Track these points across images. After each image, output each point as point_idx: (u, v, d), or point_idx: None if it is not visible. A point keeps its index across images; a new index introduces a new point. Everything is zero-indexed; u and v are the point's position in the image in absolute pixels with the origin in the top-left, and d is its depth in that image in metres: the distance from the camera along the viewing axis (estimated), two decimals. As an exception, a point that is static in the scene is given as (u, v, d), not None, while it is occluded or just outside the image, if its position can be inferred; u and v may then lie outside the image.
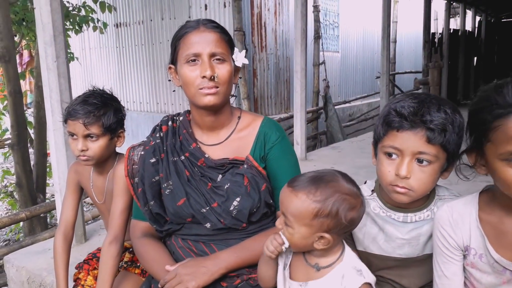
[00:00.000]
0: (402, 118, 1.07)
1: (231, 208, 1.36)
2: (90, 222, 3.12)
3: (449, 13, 9.80)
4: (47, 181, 4.64)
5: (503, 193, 1.00)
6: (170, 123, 1.53)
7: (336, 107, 7.38)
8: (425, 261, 1.23)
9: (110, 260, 1.53)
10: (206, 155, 1.43)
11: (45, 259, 2.19)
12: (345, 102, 8.76)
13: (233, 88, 1.47)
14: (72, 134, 1.59)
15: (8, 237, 5.22)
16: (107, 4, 5.63)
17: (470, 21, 12.97)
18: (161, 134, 1.50)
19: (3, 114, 4.60)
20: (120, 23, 8.21)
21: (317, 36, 6.90)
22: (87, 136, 1.58)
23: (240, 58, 1.42)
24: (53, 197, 6.23)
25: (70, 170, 1.80)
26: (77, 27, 5.03)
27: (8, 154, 4.52)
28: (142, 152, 1.50)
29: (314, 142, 7.22)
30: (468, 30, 12.33)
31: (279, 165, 1.41)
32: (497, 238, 1.03)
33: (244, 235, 1.41)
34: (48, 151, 4.44)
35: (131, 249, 1.79)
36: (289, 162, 1.43)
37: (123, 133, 1.70)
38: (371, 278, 1.07)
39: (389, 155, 1.11)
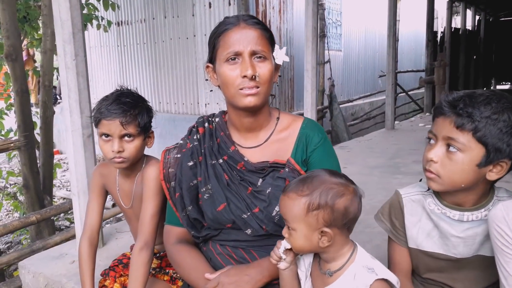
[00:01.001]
0: (443, 106, 1.12)
1: (274, 214, 1.30)
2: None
3: (451, 12, 9.79)
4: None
5: None
6: (206, 124, 1.46)
7: (340, 106, 7.34)
8: (480, 265, 1.20)
9: (142, 267, 1.47)
10: (246, 158, 1.37)
11: (63, 265, 2.12)
12: (349, 101, 8.72)
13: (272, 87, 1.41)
14: (106, 135, 1.52)
15: (11, 240, 5.12)
16: (110, 2, 5.55)
17: (470, 20, 12.99)
18: (198, 136, 1.44)
19: (6, 114, 4.50)
20: (121, 21, 8.12)
21: (322, 35, 6.85)
22: (122, 137, 1.51)
23: (280, 55, 1.36)
24: (60, 200, 6.13)
25: (94, 173, 1.73)
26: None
27: (12, 155, 4.42)
28: (179, 155, 1.43)
29: (319, 141, 7.16)
30: (468, 29, 12.35)
31: (323, 168, 1.36)
32: None
33: None
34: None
35: (158, 255, 1.73)
36: (332, 165, 1.37)
37: (153, 134, 1.64)
38: (388, 276, 1.06)
39: (430, 140, 1.16)
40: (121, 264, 1.72)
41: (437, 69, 6.72)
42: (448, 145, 1.10)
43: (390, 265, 1.35)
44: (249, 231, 1.32)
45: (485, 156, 1.08)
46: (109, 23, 5.47)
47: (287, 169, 1.33)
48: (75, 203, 2.18)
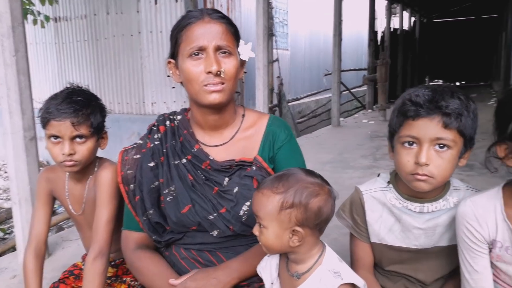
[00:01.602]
0: (418, 107, 1.10)
1: (241, 214, 1.26)
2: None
3: (390, 13, 10.28)
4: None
5: None
6: (167, 122, 1.39)
7: (288, 104, 7.45)
8: (440, 254, 1.24)
9: (97, 277, 1.38)
10: (211, 157, 1.32)
11: (3, 281, 1.93)
12: (296, 99, 8.87)
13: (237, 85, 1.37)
14: (55, 137, 1.40)
15: None
16: (47, -4, 5.22)
17: (406, 21, 13.72)
18: (159, 135, 1.36)
19: None
20: (59, 17, 7.65)
21: (271, 34, 6.89)
22: (73, 138, 1.40)
23: (246, 51, 1.32)
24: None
25: (40, 179, 1.59)
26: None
27: None
28: (138, 156, 1.35)
29: (269, 139, 7.23)
30: (405, 30, 13.04)
31: (289, 165, 1.33)
32: None
33: (252, 241, 1.32)
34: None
35: (113, 263, 1.63)
36: (298, 162, 1.36)
37: (106, 135, 1.54)
38: (355, 280, 1.06)
39: (409, 144, 1.12)
40: (72, 276, 1.59)
41: (380, 67, 7.03)
42: (436, 145, 1.10)
43: (352, 261, 1.36)
44: (215, 233, 1.28)
45: (463, 146, 1.12)
46: (47, 18, 5.14)
47: (254, 167, 1.30)
48: (16, 212, 2.00)
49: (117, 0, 6.94)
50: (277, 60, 7.06)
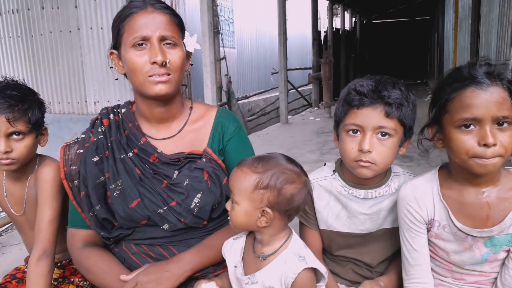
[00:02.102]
0: (362, 96, 1.15)
1: (192, 206, 1.25)
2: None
3: (332, 13, 10.63)
4: None
5: (457, 168, 1.11)
6: (111, 116, 1.35)
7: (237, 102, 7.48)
8: (384, 237, 1.31)
9: (41, 278, 1.32)
10: (159, 150, 1.30)
11: None
12: (245, 98, 8.92)
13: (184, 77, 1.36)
14: None
15: None
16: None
17: (348, 21, 14.26)
18: (103, 128, 1.32)
19: None
20: (-12, 11, 7.14)
21: (217, 31, 6.87)
22: (10, 135, 1.32)
23: (192, 42, 1.32)
24: None
25: None
26: None
27: None
28: (81, 150, 1.30)
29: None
30: (347, 30, 13.54)
31: (239, 157, 1.35)
32: (459, 209, 1.13)
33: (204, 233, 1.32)
34: None
35: (59, 264, 1.56)
36: (248, 153, 1.37)
37: (46, 131, 1.46)
38: (318, 266, 1.10)
39: (353, 132, 1.17)
40: (15, 280, 1.50)
41: (323, 66, 7.25)
42: (379, 133, 1.15)
43: None
44: (166, 226, 1.26)
45: (403, 135, 1.19)
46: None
47: (204, 159, 1.30)
48: None
49: (53, -6, 6.60)
50: (224, 58, 7.06)
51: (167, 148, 1.32)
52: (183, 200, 1.25)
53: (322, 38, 10.83)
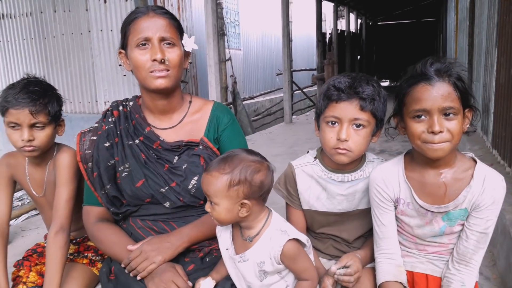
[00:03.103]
0: (340, 91, 1.30)
1: (190, 187, 1.44)
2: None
3: (337, 15, 10.77)
4: None
5: (418, 153, 1.28)
6: (120, 108, 1.54)
7: (243, 102, 7.66)
8: (360, 216, 1.47)
9: (58, 250, 1.49)
10: (161, 138, 1.49)
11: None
12: (251, 98, 9.10)
13: (183, 74, 1.54)
14: (14, 125, 1.51)
15: None
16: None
17: (353, 23, 14.38)
18: (113, 118, 1.52)
19: None
20: (3, 15, 7.40)
21: (222, 33, 7.07)
22: (32, 126, 1.51)
23: (189, 43, 1.50)
24: None
25: (1, 165, 1.68)
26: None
27: None
28: (95, 137, 1.49)
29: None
30: (352, 31, 13.67)
31: (232, 146, 1.53)
32: (420, 189, 1.30)
33: (200, 212, 1.50)
34: None
35: (74, 241, 1.75)
36: (240, 143, 1.55)
37: (63, 122, 1.66)
38: (299, 236, 1.23)
39: (332, 123, 1.33)
40: (36, 253, 1.70)
41: (327, 66, 7.40)
42: (354, 124, 1.30)
43: None
44: (167, 204, 1.45)
45: (375, 126, 1.35)
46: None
47: (201, 147, 1.49)
48: (-27, 201, 2.05)
49: (65, -3, 6.85)
50: (229, 59, 7.25)
51: (169, 136, 1.50)
52: (182, 182, 1.44)
53: (327, 39, 10.96)
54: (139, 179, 1.43)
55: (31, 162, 1.66)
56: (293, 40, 11.76)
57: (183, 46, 1.48)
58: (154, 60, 1.37)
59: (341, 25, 14.95)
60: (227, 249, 1.32)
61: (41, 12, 7.16)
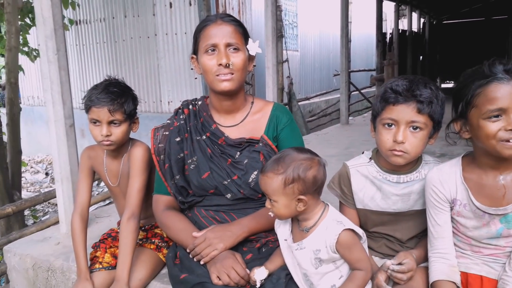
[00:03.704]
0: (397, 94, 1.33)
1: (250, 180, 1.55)
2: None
3: (398, 14, 10.47)
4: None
5: (482, 154, 1.28)
6: (190, 106, 1.69)
7: (298, 103, 7.72)
8: (414, 216, 1.49)
9: (130, 234, 1.66)
10: (226, 135, 1.61)
11: (49, 246, 2.24)
12: (307, 99, 9.13)
13: (247, 76, 1.66)
14: (95, 121, 1.70)
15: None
16: (70, 1, 5.56)
17: (416, 22, 13.86)
18: (184, 116, 1.67)
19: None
20: (80, 20, 8.05)
21: (280, 35, 7.17)
22: (110, 123, 1.69)
23: (254, 47, 1.60)
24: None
25: (83, 156, 1.90)
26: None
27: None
28: (167, 132, 1.65)
29: (279, 136, 7.49)
30: (414, 31, 13.18)
31: (289, 144, 1.62)
32: (477, 190, 1.30)
33: (258, 205, 1.60)
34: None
35: (143, 228, 1.92)
36: (297, 141, 1.64)
37: (138, 120, 1.83)
38: (354, 227, 1.29)
39: (388, 125, 1.36)
40: (110, 237, 1.90)
41: (387, 67, 7.24)
42: (411, 127, 1.32)
43: None
44: (229, 196, 1.57)
45: (432, 129, 1.37)
46: (71, 21, 5.49)
47: (261, 144, 1.59)
48: (59, 189, 2.32)
49: (134, 3, 7.29)
50: (286, 60, 7.33)
51: (232, 133, 1.63)
52: (243, 175, 1.55)
53: (387, 39, 10.68)
54: (205, 171, 1.57)
55: (108, 155, 1.85)
56: (352, 41, 11.58)
57: (248, 51, 1.59)
58: (220, 64, 1.49)
59: (403, 24, 14.46)
60: (285, 239, 1.39)
61: (113, 18, 7.68)
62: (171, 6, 6.92)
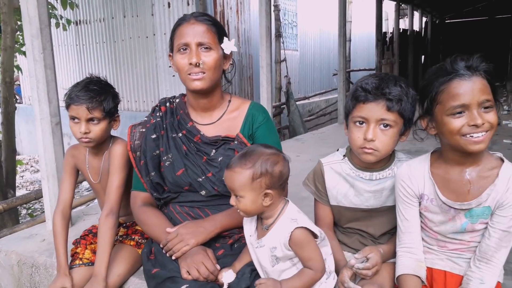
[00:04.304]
0: (367, 92, 1.34)
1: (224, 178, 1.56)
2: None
3: (399, 14, 10.44)
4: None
5: (448, 150, 1.29)
6: (168, 104, 1.71)
7: (296, 103, 7.72)
8: (386, 212, 1.50)
9: (108, 231, 1.68)
10: (202, 133, 1.63)
11: (34, 243, 2.28)
12: (305, 98, 9.13)
13: (229, 74, 1.68)
14: (74, 118, 1.72)
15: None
16: (68, 1, 5.61)
17: (417, 22, 13.81)
18: (161, 113, 1.69)
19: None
20: (80, 21, 8.10)
21: (278, 35, 7.18)
22: (89, 120, 1.72)
23: (229, 46, 1.60)
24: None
25: (66, 155, 1.92)
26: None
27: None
28: (143, 129, 1.68)
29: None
30: (416, 30, 13.14)
31: (265, 142, 1.62)
32: (444, 185, 1.31)
33: None
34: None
35: (124, 224, 1.95)
36: (273, 140, 1.65)
37: (118, 117, 1.85)
38: (309, 225, 1.30)
39: (359, 123, 1.37)
40: (91, 234, 1.92)
41: (384, 66, 7.24)
42: (381, 124, 1.33)
43: (316, 221, 1.61)
44: (203, 192, 1.58)
45: (403, 126, 1.38)
46: (69, 21, 5.54)
47: (236, 142, 1.61)
48: (45, 186, 2.35)
49: (133, 4, 7.32)
50: (284, 60, 7.34)
51: (209, 131, 1.64)
52: (217, 172, 1.57)
53: (388, 39, 10.65)
54: (180, 168, 1.58)
55: (90, 152, 1.88)
56: (353, 40, 11.56)
57: (223, 49, 1.60)
58: (191, 63, 1.51)
59: (405, 24, 14.41)
60: (250, 235, 1.41)
61: (113, 18, 7.72)
62: (169, 6, 6.94)
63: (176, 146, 1.62)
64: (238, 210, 1.33)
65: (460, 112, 1.20)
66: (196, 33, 1.52)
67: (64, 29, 5.56)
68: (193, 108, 1.68)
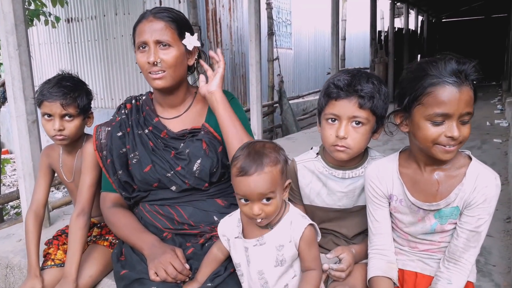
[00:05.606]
0: (339, 89, 1.30)
1: (194, 169, 1.52)
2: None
3: (394, 12, 10.42)
4: None
5: (417, 150, 1.25)
6: (133, 101, 1.68)
7: (290, 101, 7.69)
8: (359, 213, 1.47)
9: (79, 231, 1.64)
10: (168, 128, 1.60)
11: (10, 243, 2.25)
12: (299, 97, 9.10)
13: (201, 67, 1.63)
14: (48, 115, 1.69)
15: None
16: (58, -2, 5.55)
17: (413, 20, 13.79)
18: (126, 111, 1.66)
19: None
20: (71, 18, 8.05)
21: (271, 33, 7.15)
22: (63, 117, 1.68)
23: (190, 42, 1.54)
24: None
25: (42, 155, 1.89)
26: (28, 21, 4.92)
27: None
28: (109, 128, 1.64)
29: (270, 134, 7.49)
30: (412, 29, 13.12)
31: None
32: (413, 186, 1.28)
33: (206, 196, 1.57)
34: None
35: (98, 225, 1.91)
36: (241, 116, 1.58)
37: (92, 114, 1.82)
38: (314, 223, 1.28)
39: (332, 120, 1.33)
40: (64, 234, 1.88)
41: (377, 65, 7.22)
42: (353, 122, 1.30)
43: None
44: (174, 188, 1.54)
45: (375, 123, 1.35)
46: (57, 18, 5.48)
47: (202, 132, 1.58)
48: (21, 185, 2.31)
49: (124, 1, 7.27)
50: (277, 58, 7.30)
51: (175, 126, 1.61)
52: (186, 165, 1.52)
53: (382, 37, 10.63)
54: (147, 165, 1.55)
55: (64, 151, 1.84)
56: (348, 39, 11.53)
57: (185, 46, 1.53)
58: (149, 62, 1.47)
59: (401, 23, 14.40)
60: (236, 237, 1.33)
61: (104, 16, 7.68)
62: (160, 4, 6.90)
63: (143, 143, 1.58)
64: (259, 220, 1.20)
65: (439, 121, 1.14)
66: (153, 30, 1.47)
67: (53, 26, 5.51)
68: (160, 104, 1.65)
